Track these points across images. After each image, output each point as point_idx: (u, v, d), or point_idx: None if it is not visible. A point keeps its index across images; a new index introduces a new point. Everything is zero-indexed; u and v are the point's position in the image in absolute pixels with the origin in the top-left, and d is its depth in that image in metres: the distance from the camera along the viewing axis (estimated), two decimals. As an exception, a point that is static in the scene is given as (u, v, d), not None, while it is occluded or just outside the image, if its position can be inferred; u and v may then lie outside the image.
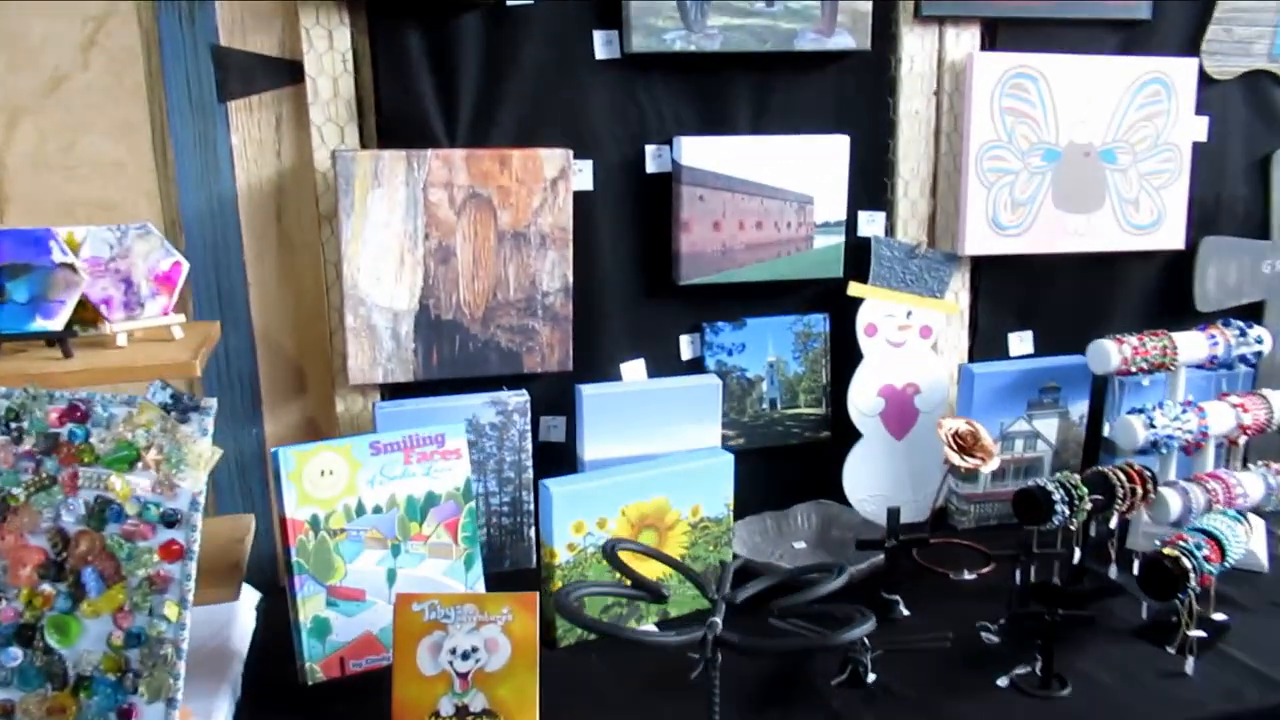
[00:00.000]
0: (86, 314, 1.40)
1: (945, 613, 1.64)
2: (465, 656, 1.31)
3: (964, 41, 1.91)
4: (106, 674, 1.13)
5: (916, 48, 1.89)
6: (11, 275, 1.32)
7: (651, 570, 1.47)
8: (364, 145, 1.69)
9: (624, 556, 1.33)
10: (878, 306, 1.93)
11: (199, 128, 1.64)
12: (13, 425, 1.16)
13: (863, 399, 1.94)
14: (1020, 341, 2.05)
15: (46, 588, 1.14)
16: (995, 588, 1.70)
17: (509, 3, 1.69)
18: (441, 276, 1.69)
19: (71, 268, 1.33)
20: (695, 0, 1.74)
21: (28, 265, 1.32)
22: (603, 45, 1.75)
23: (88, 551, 1.14)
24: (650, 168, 1.81)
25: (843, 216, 1.88)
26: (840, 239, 1.89)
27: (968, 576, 1.76)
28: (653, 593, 1.25)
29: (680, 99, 1.81)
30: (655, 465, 1.63)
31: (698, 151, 1.79)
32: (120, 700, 1.12)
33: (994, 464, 1.78)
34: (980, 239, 1.94)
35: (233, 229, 1.69)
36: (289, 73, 1.66)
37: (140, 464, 1.14)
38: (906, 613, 1.64)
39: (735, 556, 1.68)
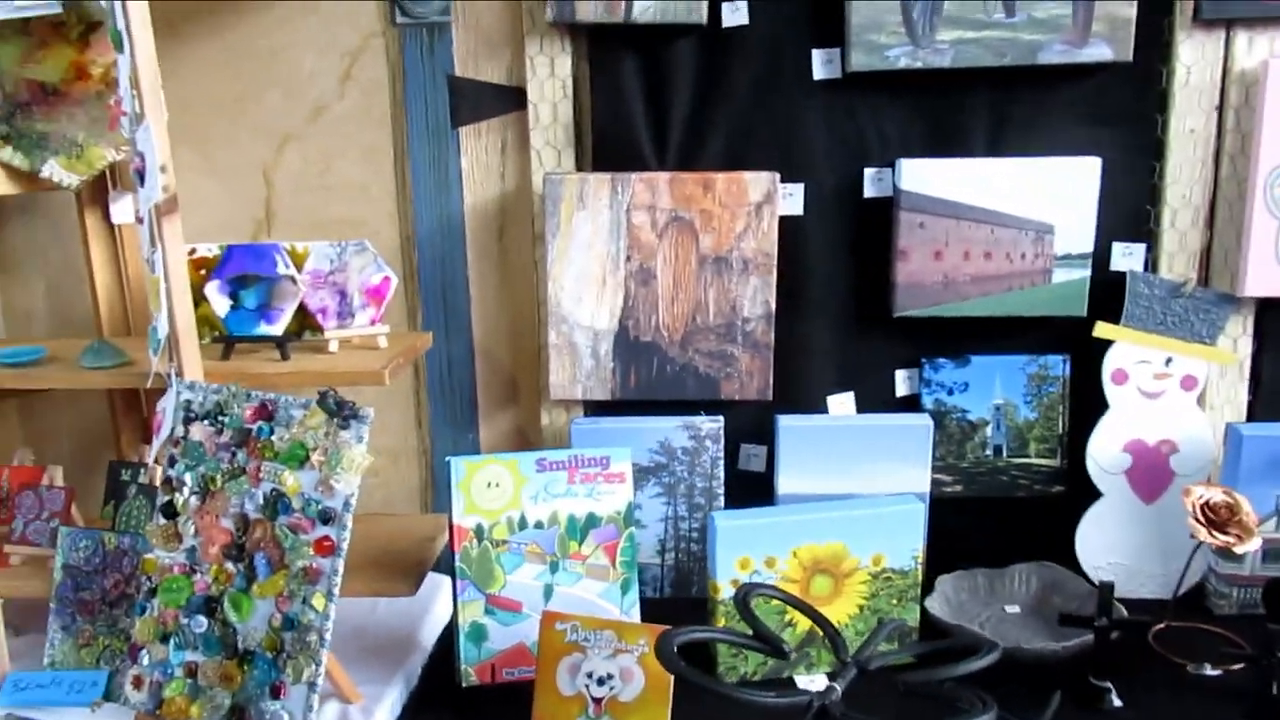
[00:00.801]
0: (310, 321, 1.55)
1: (1170, 712, 1.42)
2: (601, 682, 1.31)
3: (1259, 48, 1.64)
4: (266, 651, 1.25)
5: (1195, 56, 1.65)
6: (244, 285, 1.49)
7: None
8: (579, 168, 1.74)
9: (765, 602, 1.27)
10: (1130, 351, 1.70)
11: (433, 152, 1.77)
12: (219, 418, 1.31)
13: (1106, 454, 1.72)
14: (1319, 401, 1.73)
15: (230, 566, 1.28)
16: (1242, 690, 1.45)
17: (724, 24, 1.67)
18: (641, 298, 1.71)
19: (292, 279, 1.48)
20: (923, 14, 1.63)
21: (257, 276, 1.49)
22: (822, 65, 1.68)
23: (261, 538, 1.27)
24: (869, 192, 1.72)
25: (1089, 248, 1.68)
26: (1085, 273, 1.69)
27: (1210, 671, 1.51)
28: (772, 646, 1.18)
29: (905, 119, 1.70)
30: (835, 507, 1.54)
31: (921, 175, 1.67)
32: (275, 677, 1.24)
33: (1253, 545, 1.51)
34: (1267, 277, 1.66)
35: (459, 246, 1.80)
36: (514, 99, 1.75)
37: (308, 463, 1.25)
38: (1119, 704, 1.44)
39: (925, 614, 1.55)
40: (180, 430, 1.34)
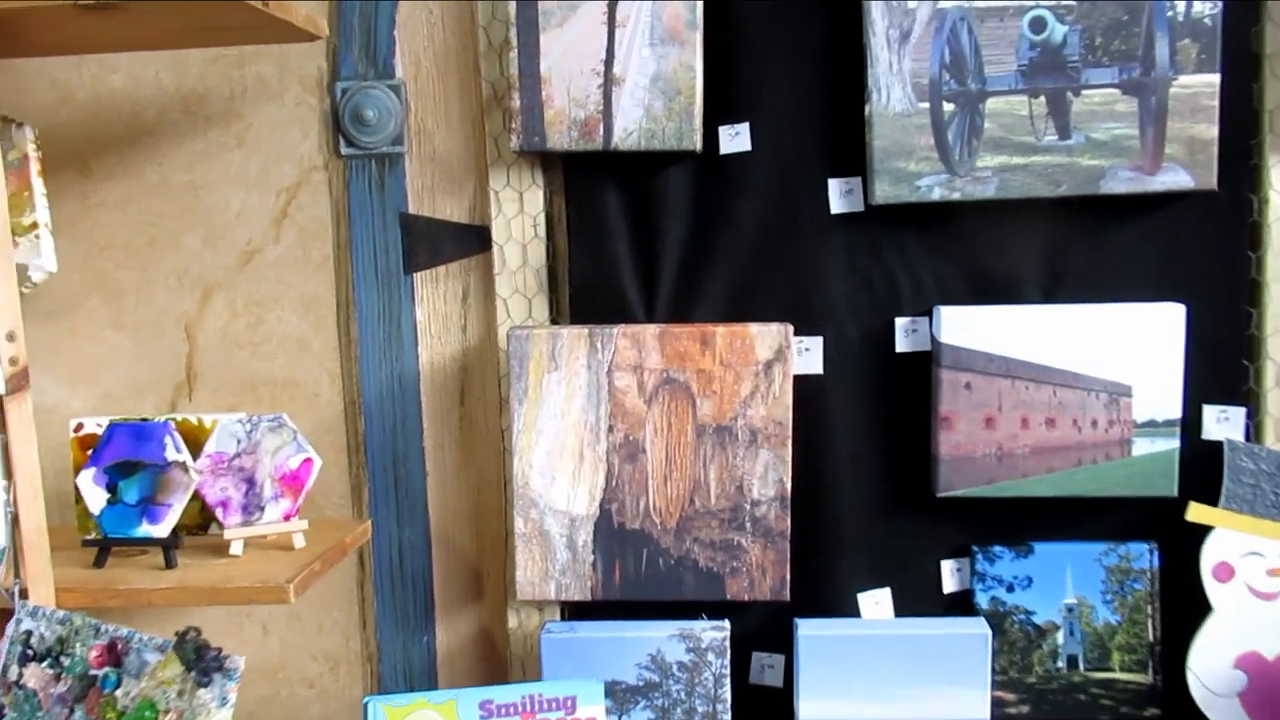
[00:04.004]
0: (209, 514, 1.26)
1: None
2: None
3: (1366, 171, 1.36)
4: None
5: (1291, 183, 1.36)
6: (125, 473, 1.20)
7: None
8: (554, 320, 1.46)
9: None
10: (1234, 539, 1.37)
11: (384, 301, 1.50)
12: (60, 659, 1.00)
13: (1212, 670, 1.37)
14: None
15: None
16: None
17: (722, 150, 1.41)
18: (627, 477, 1.40)
19: (183, 467, 1.19)
20: (960, 136, 1.36)
21: (140, 462, 1.20)
22: (840, 196, 1.41)
23: (97, 832, 0.94)
24: (901, 345, 1.42)
25: (1177, 413, 1.37)
26: (1174, 443, 1.37)
27: None
28: None
29: (942, 260, 1.42)
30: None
31: (965, 325, 1.38)
32: None
33: None
34: (1402, 450, 1.34)
35: (413, 412, 1.52)
36: (478, 240, 1.49)
37: (161, 729, 0.93)
38: None
39: None
40: (15, 671, 1.02)
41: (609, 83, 1.38)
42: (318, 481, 1.50)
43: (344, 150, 1.48)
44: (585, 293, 1.44)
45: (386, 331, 1.50)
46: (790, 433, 1.38)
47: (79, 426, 1.30)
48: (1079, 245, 1.40)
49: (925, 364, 1.41)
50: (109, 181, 1.52)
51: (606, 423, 1.39)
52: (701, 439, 1.39)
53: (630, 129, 1.38)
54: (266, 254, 1.52)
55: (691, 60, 1.37)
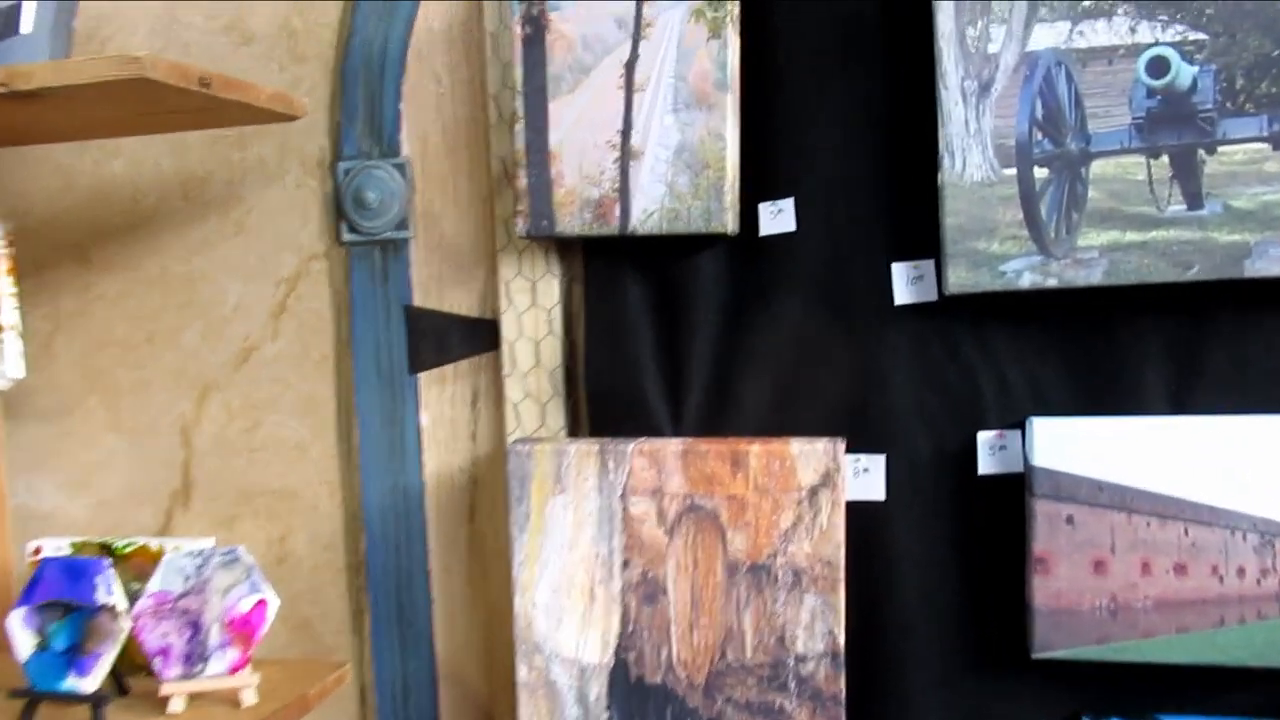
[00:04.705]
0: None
1: None
2: None
3: None
4: None
5: None
6: (57, 615, 1.06)
7: None
8: (573, 431, 1.26)
9: None
10: None
11: (386, 404, 1.33)
12: None
13: None
14: None
15: None
16: None
17: (761, 232, 1.18)
18: (647, 621, 1.17)
19: (112, 612, 1.04)
20: (1056, 208, 1.09)
21: (70, 604, 1.05)
22: (907, 284, 1.16)
23: None
24: (984, 467, 1.15)
25: (1356, 563, 1.05)
26: (1351, 602, 1.05)
27: None
28: None
29: (1036, 360, 1.14)
30: None
31: (1066, 443, 1.10)
32: None
33: None
34: None
35: (418, 529, 1.34)
36: (489, 335, 1.30)
37: None
38: None
39: None
40: None
41: (626, 156, 1.17)
42: (315, 606, 1.35)
43: (345, 236, 1.33)
44: (603, 399, 1.23)
45: (389, 438, 1.33)
46: (842, 574, 1.13)
47: (37, 550, 1.17)
48: (1217, 341, 1.10)
49: (1016, 491, 1.13)
50: (108, 274, 1.41)
51: (621, 556, 1.18)
52: (734, 579, 1.15)
53: (650, 209, 1.17)
54: (264, 351, 1.38)
55: (721, 127, 1.15)
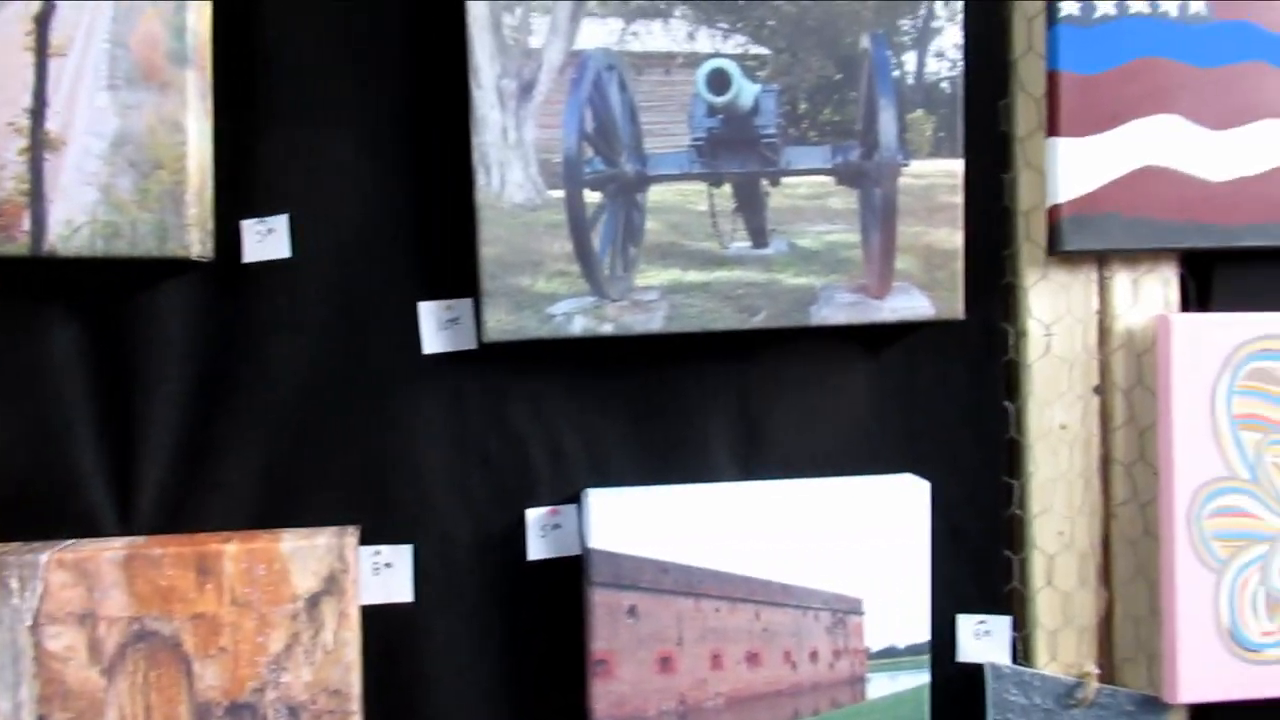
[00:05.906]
0: None
1: None
2: None
3: (1148, 295, 1.01)
4: None
5: (1057, 310, 1.00)
6: None
7: None
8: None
9: None
10: (1004, 812, 0.97)
11: None
12: None
13: None
14: None
15: None
16: None
17: (245, 258, 0.89)
18: (76, 801, 0.83)
19: None
20: (610, 240, 0.91)
21: None
22: (438, 328, 0.93)
23: None
24: (534, 552, 0.94)
25: (925, 635, 0.96)
26: (924, 677, 0.96)
27: None
28: None
29: (594, 421, 0.95)
30: None
31: (626, 517, 0.91)
32: None
33: None
34: (1205, 673, 0.98)
35: None
36: None
37: None
38: None
39: None
40: None
41: (39, 145, 0.83)
42: None
43: None
44: (10, 486, 0.87)
45: None
46: (358, 705, 0.86)
47: None
48: (785, 397, 0.98)
49: (574, 576, 0.93)
50: None
51: (34, 713, 0.82)
52: (205, 729, 0.85)
53: (77, 221, 0.84)
54: None
55: (180, 114, 0.85)
